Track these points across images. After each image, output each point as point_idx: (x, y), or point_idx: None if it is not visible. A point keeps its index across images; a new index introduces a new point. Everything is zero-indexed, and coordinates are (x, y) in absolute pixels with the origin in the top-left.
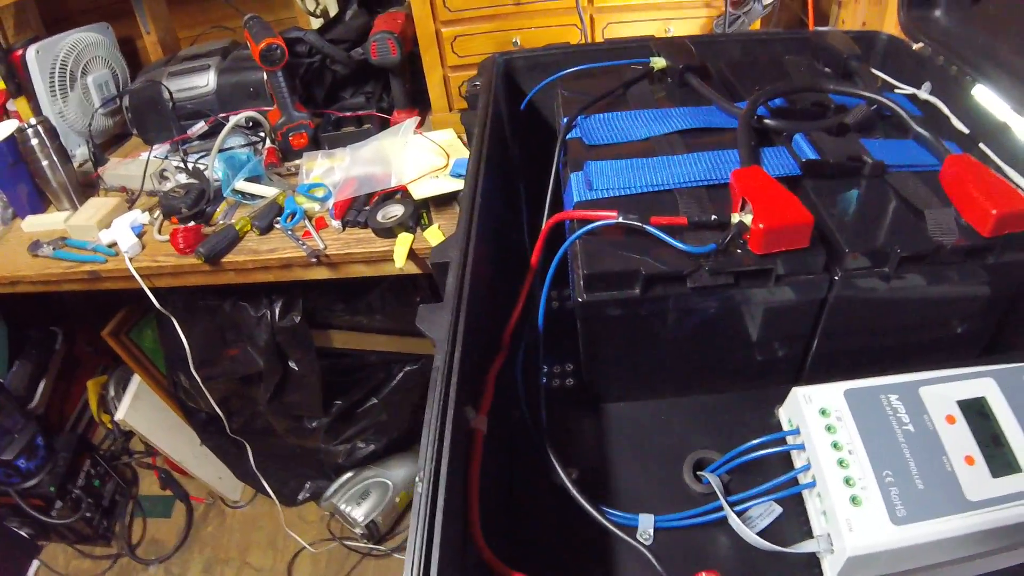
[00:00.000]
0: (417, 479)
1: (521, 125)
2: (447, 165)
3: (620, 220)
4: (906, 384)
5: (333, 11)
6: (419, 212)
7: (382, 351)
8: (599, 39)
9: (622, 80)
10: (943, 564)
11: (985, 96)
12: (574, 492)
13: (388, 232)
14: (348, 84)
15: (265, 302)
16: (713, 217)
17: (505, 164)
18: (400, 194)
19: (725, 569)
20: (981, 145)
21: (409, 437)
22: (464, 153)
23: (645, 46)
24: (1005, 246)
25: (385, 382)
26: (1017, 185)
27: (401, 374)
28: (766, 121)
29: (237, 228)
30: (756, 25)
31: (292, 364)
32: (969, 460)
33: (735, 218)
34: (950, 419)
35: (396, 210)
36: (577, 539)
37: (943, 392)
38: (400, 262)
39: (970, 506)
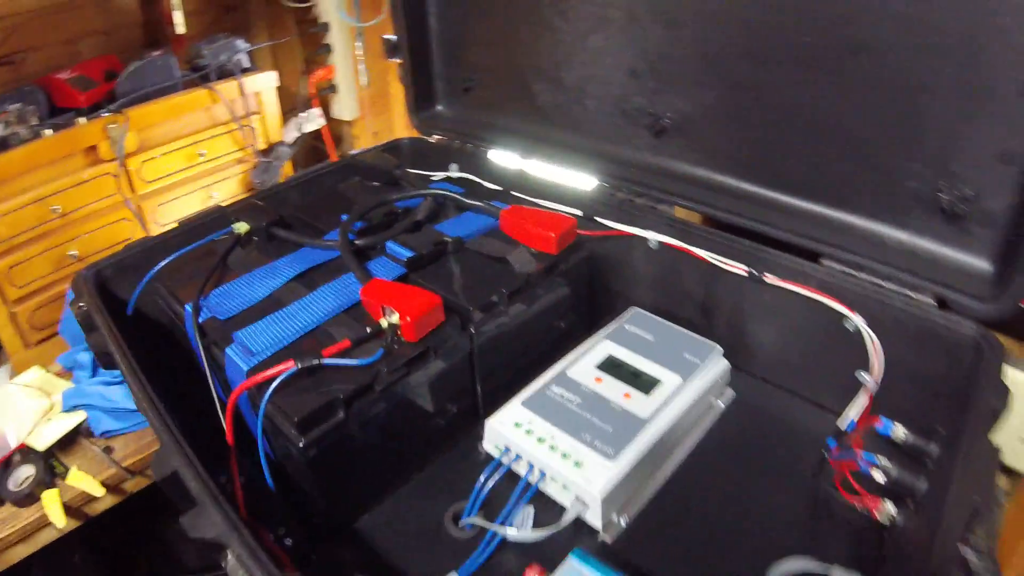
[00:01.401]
0: None
1: (130, 328)
2: (52, 405)
3: (300, 365)
4: (557, 376)
5: None
6: (49, 463)
7: None
8: (152, 225)
9: (217, 254)
10: (658, 463)
11: (498, 156)
12: None
13: (30, 498)
14: None
15: None
16: (368, 330)
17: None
18: (18, 454)
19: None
20: (513, 192)
21: None
22: (62, 385)
23: (220, 216)
24: (568, 256)
25: None
26: (554, 210)
27: None
28: (359, 243)
29: None
30: (288, 166)
31: None
32: (627, 396)
33: (383, 323)
34: (598, 380)
35: (26, 471)
36: None
37: (583, 366)
38: (61, 520)
39: (646, 421)
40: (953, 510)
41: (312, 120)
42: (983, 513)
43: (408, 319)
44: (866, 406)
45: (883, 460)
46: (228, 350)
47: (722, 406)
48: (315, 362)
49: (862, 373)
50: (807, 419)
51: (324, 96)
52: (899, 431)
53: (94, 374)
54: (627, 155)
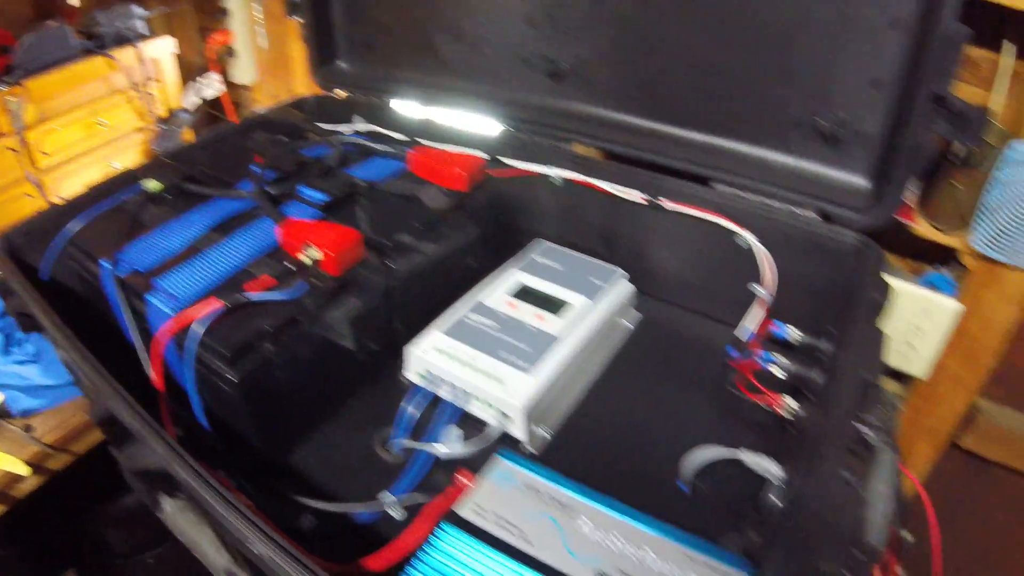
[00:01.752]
0: None
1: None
2: None
3: (228, 304)
4: (474, 305)
5: None
6: None
7: None
8: (56, 199)
9: (130, 213)
10: (574, 377)
11: (402, 107)
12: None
13: None
14: None
15: None
16: (288, 266)
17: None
18: None
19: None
20: (419, 140)
21: None
22: None
23: (131, 177)
24: (476, 194)
25: None
26: (460, 151)
27: None
28: (271, 191)
29: None
30: (189, 132)
31: None
32: (539, 317)
33: (305, 259)
34: (511, 305)
35: None
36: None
37: (497, 294)
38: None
39: (559, 338)
40: (846, 392)
41: (211, 86)
42: (873, 390)
43: (332, 253)
44: (763, 315)
45: (780, 358)
46: (149, 297)
47: (630, 326)
48: (241, 299)
49: (755, 285)
50: (710, 334)
51: (223, 61)
52: (793, 332)
53: (7, 352)
54: (528, 99)
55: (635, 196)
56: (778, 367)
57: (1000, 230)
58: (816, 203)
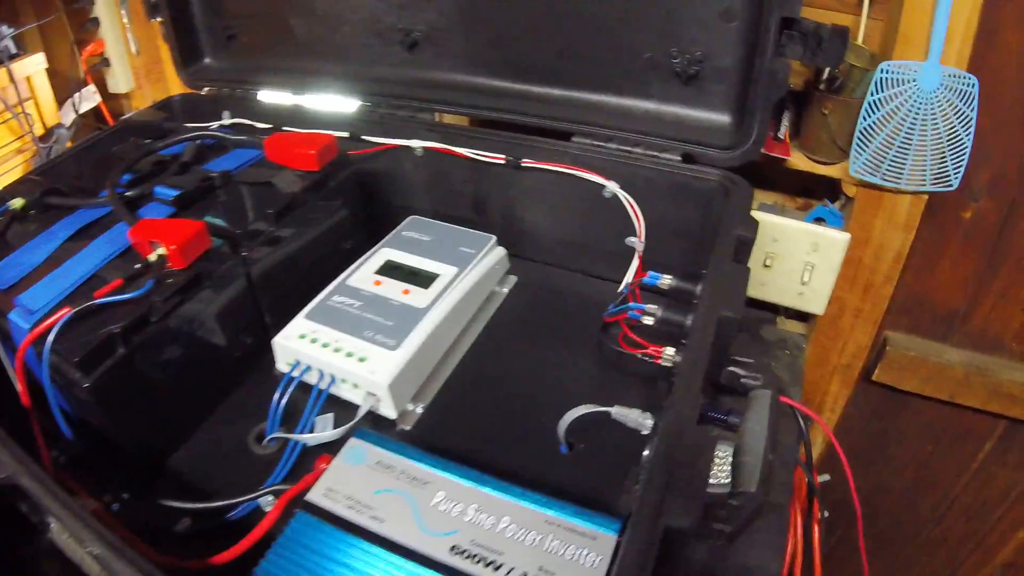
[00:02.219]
0: None
1: None
2: None
3: (73, 311)
4: (338, 285)
5: None
6: None
7: None
8: None
9: None
10: (445, 349)
11: (270, 97)
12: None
13: None
14: None
15: None
16: (137, 266)
17: None
18: None
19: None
20: (285, 128)
21: None
22: None
23: None
24: (336, 174)
25: None
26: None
27: None
28: (128, 194)
29: None
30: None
31: None
32: (405, 292)
33: (152, 257)
34: (377, 283)
35: None
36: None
37: (362, 273)
38: None
39: (425, 310)
40: (704, 332)
41: (88, 98)
42: (734, 323)
43: (173, 246)
44: (637, 266)
45: (651, 307)
46: (10, 316)
47: (505, 291)
48: (88, 303)
49: (630, 238)
50: (590, 290)
51: (98, 71)
52: (665, 280)
53: None
54: (385, 73)
55: (496, 159)
56: (649, 315)
57: (877, 154)
58: (681, 146)
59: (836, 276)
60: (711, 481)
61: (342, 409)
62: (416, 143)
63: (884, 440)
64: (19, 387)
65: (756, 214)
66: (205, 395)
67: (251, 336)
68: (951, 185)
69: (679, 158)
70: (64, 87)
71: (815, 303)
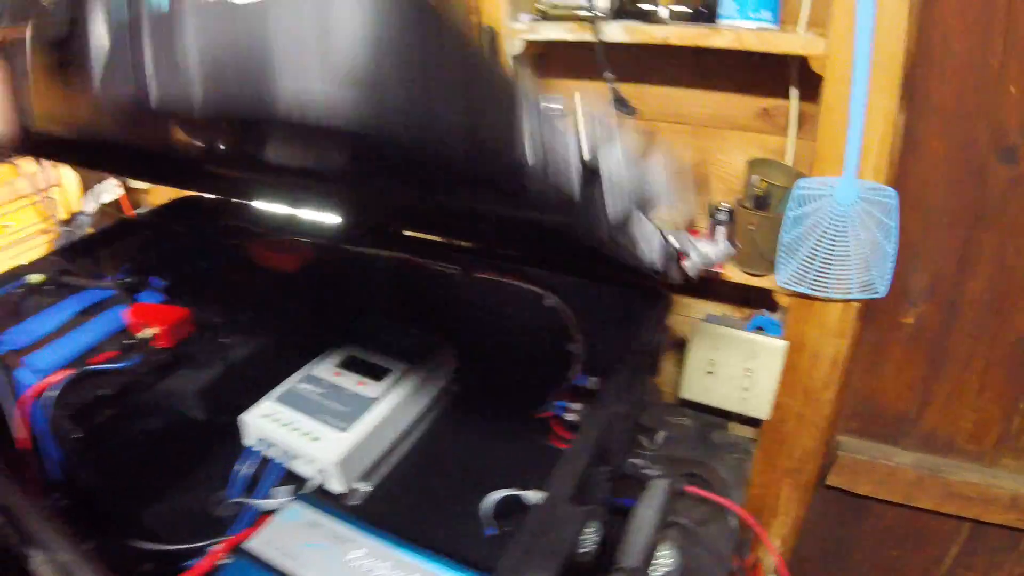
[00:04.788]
0: None
1: None
2: None
3: (73, 372)
4: (304, 375)
5: None
6: None
7: None
8: None
9: (13, 303)
10: (394, 434)
11: (263, 205)
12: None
13: None
14: None
15: None
16: (126, 341)
17: None
18: None
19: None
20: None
21: None
22: None
23: (20, 272)
24: (308, 272)
25: None
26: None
27: None
28: (130, 280)
29: None
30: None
31: None
32: (361, 383)
33: (142, 336)
34: (337, 374)
35: None
36: None
37: (326, 365)
38: None
39: (376, 399)
40: (595, 426)
41: (109, 190)
42: (630, 417)
43: (160, 329)
44: (578, 368)
45: (574, 406)
46: (16, 372)
47: (451, 388)
48: (84, 369)
49: (570, 345)
50: (530, 386)
51: None
52: (592, 381)
53: None
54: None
55: (451, 268)
56: (572, 413)
57: (803, 265)
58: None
59: (777, 382)
60: (579, 550)
61: (301, 484)
62: (379, 251)
63: (848, 545)
64: (22, 432)
65: (703, 324)
66: (182, 459)
67: (223, 411)
68: (878, 292)
69: None
70: (89, 177)
71: (759, 408)
